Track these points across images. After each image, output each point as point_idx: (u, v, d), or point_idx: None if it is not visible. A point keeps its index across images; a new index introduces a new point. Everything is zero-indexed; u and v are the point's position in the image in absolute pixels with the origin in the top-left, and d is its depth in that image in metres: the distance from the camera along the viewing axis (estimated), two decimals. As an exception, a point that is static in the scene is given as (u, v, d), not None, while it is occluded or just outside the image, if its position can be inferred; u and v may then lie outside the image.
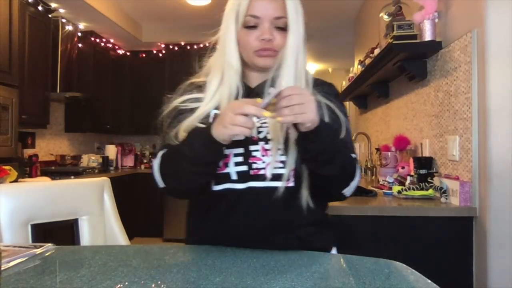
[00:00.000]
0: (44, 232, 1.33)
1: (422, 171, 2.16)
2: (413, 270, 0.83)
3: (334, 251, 1.08)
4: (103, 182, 1.48)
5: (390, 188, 2.19)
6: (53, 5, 3.83)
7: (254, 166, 0.97)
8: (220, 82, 1.03)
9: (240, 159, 0.98)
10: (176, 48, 5.35)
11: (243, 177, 0.97)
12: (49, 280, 0.77)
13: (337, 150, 0.92)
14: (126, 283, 0.74)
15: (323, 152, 0.90)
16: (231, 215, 0.98)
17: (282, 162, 0.96)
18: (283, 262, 0.86)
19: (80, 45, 4.50)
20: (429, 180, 2.09)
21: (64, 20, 4.19)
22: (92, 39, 4.74)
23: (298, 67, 1.00)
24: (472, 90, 1.81)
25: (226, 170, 0.98)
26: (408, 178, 2.26)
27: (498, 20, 1.72)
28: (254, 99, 0.85)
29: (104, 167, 4.83)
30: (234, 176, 0.97)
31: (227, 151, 0.94)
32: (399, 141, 2.62)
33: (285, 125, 0.93)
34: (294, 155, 0.95)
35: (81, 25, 4.55)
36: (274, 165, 0.96)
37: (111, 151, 5.16)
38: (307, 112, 0.83)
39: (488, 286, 1.70)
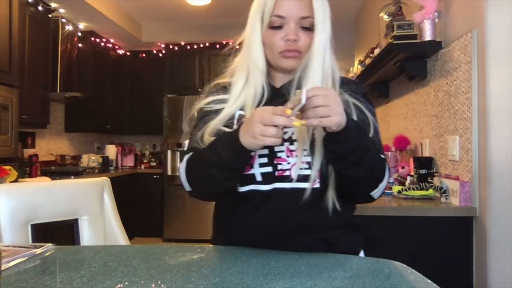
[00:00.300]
0: (44, 232, 1.33)
1: (422, 171, 2.16)
2: (413, 270, 0.83)
3: (362, 254, 1.05)
4: (103, 182, 1.48)
5: (390, 188, 2.19)
6: (53, 5, 3.83)
7: (279, 167, 0.95)
8: (245, 82, 1.02)
9: (264, 160, 0.96)
10: (176, 48, 5.35)
11: (268, 178, 0.95)
12: (49, 280, 0.77)
13: (365, 151, 0.89)
14: (126, 283, 0.74)
15: (350, 153, 0.87)
16: (257, 216, 0.96)
17: (308, 163, 0.94)
18: (283, 262, 0.86)
19: (80, 45, 4.50)
20: (429, 180, 2.09)
21: (64, 20, 4.19)
22: (92, 39, 4.74)
23: (325, 67, 0.98)
24: (472, 90, 1.81)
25: (251, 171, 0.96)
26: (408, 178, 2.26)
27: (498, 20, 1.72)
28: (283, 108, 0.81)
29: (104, 167, 4.83)
30: (259, 177, 0.96)
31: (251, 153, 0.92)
32: (399, 141, 2.62)
33: (311, 127, 0.92)
34: (320, 156, 0.93)
35: (81, 25, 4.55)
36: (299, 166, 0.94)
37: (111, 151, 5.17)
38: (332, 115, 0.80)
39: (488, 286, 1.70)
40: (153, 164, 5.55)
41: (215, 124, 0.98)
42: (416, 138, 2.55)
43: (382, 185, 0.96)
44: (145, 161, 5.60)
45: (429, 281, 0.76)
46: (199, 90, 5.24)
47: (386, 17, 2.58)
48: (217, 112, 1.01)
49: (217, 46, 5.27)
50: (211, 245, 1.05)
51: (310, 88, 0.82)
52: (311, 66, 0.97)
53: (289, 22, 0.96)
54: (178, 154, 5.02)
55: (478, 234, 1.78)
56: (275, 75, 1.06)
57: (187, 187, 0.99)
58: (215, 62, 5.29)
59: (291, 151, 0.96)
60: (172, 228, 5.02)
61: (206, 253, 0.97)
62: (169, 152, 5.04)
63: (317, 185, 0.95)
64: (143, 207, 5.17)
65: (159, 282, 0.75)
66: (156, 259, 0.93)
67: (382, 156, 0.97)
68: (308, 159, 0.94)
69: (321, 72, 0.97)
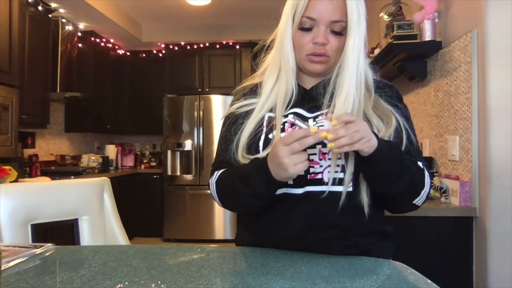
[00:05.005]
0: (44, 232, 1.33)
1: (422, 171, 2.16)
2: (413, 270, 0.83)
3: None
4: (103, 182, 1.48)
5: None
6: (53, 5, 3.83)
7: (311, 170, 0.93)
8: (276, 80, 1.01)
9: None
10: (176, 48, 5.35)
11: (300, 181, 0.93)
12: (49, 280, 0.77)
13: (401, 168, 0.88)
14: (126, 283, 0.74)
15: (387, 173, 0.86)
16: (287, 220, 0.94)
17: (340, 166, 0.92)
18: (283, 262, 0.86)
19: (80, 45, 4.50)
20: (429, 180, 2.09)
21: (64, 20, 4.19)
22: (92, 39, 4.74)
23: (359, 71, 0.96)
24: (472, 90, 1.81)
25: None
26: (408, 178, 2.25)
27: (498, 20, 1.72)
28: (304, 129, 0.81)
29: (104, 167, 4.83)
30: (290, 181, 0.93)
31: None
32: (399, 141, 2.62)
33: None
34: (353, 159, 0.91)
35: (81, 25, 4.55)
36: (333, 169, 0.92)
37: (111, 151, 5.17)
38: (363, 139, 0.81)
39: (488, 286, 1.70)
40: (153, 164, 5.55)
41: (248, 132, 0.98)
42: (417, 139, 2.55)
43: (424, 192, 0.95)
44: (145, 161, 5.60)
45: (429, 281, 0.76)
46: (199, 90, 5.25)
47: (386, 17, 2.57)
48: (247, 115, 1.01)
49: (217, 46, 5.27)
50: (211, 245, 1.05)
51: (342, 114, 0.81)
52: (345, 71, 0.95)
53: (320, 24, 0.94)
54: (178, 154, 5.02)
55: (478, 234, 1.78)
56: (304, 77, 1.04)
57: (219, 203, 1.02)
58: (215, 62, 5.29)
59: (324, 154, 0.94)
60: (172, 228, 5.02)
61: (206, 253, 0.97)
62: (169, 152, 5.04)
63: (350, 189, 0.93)
64: (143, 207, 5.16)
65: (159, 282, 0.74)
66: (156, 259, 0.93)
67: (420, 163, 0.96)
68: (340, 161, 0.92)
69: (355, 77, 0.95)
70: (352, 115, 0.84)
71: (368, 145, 0.82)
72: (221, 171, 1.02)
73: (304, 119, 0.98)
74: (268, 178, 0.86)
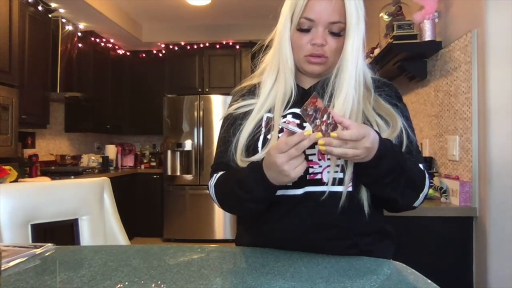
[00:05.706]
0: (44, 232, 1.33)
1: (422, 171, 2.16)
2: (413, 270, 0.83)
3: None
4: (103, 182, 1.48)
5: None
6: (53, 5, 3.84)
7: (311, 170, 0.93)
8: (275, 81, 1.01)
9: None
10: (176, 48, 5.35)
11: (299, 181, 0.91)
12: (49, 280, 0.77)
13: (400, 170, 0.87)
14: (126, 283, 0.74)
15: (385, 176, 0.86)
16: (287, 220, 0.94)
17: (339, 165, 0.92)
18: (283, 262, 0.86)
19: (80, 45, 4.50)
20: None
21: (64, 20, 4.19)
22: (92, 39, 4.74)
23: (358, 72, 0.95)
24: (472, 90, 1.81)
25: None
26: (408, 178, 2.25)
27: (498, 20, 1.72)
28: (299, 134, 0.80)
29: (104, 167, 4.83)
30: None
31: None
32: (399, 141, 2.62)
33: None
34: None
35: (81, 25, 4.55)
36: (333, 169, 0.91)
37: (111, 151, 5.17)
38: (357, 158, 0.80)
39: (488, 286, 1.70)
40: (153, 164, 5.55)
41: (246, 133, 0.98)
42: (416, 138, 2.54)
43: (423, 194, 0.95)
44: (145, 161, 5.60)
45: (429, 281, 0.76)
46: (199, 90, 5.25)
47: (386, 17, 2.57)
48: (245, 116, 1.01)
49: (217, 46, 5.27)
50: (211, 245, 1.06)
51: (340, 133, 0.78)
52: (344, 72, 0.95)
53: (318, 26, 0.93)
54: (178, 154, 5.02)
55: (478, 234, 1.78)
56: (302, 77, 1.04)
57: (218, 205, 1.03)
58: (215, 62, 5.29)
59: (323, 154, 0.93)
60: (172, 228, 5.02)
61: (206, 253, 0.97)
62: (169, 152, 5.04)
63: (350, 189, 0.93)
64: (143, 207, 5.17)
65: (159, 282, 0.74)
66: (156, 259, 0.93)
67: (421, 165, 0.96)
68: (340, 161, 0.92)
69: (354, 77, 0.95)
70: (360, 132, 0.79)
71: (360, 161, 0.82)
72: (219, 174, 1.02)
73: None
74: (265, 183, 0.86)
